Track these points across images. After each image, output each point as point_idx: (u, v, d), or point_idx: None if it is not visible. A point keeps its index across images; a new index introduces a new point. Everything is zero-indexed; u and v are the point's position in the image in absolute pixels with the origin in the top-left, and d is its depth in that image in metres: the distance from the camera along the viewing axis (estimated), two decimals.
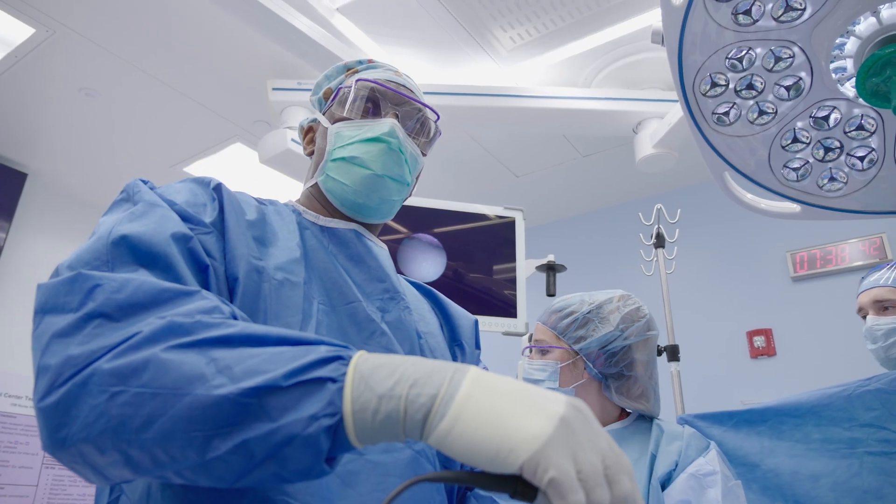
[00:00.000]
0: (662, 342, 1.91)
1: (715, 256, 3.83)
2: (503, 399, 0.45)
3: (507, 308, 2.09)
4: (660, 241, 2.04)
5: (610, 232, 4.11)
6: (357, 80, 0.86)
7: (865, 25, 0.96)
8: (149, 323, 0.52)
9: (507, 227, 2.18)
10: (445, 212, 2.20)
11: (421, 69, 2.95)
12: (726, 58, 1.08)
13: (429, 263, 2.06)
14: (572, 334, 1.25)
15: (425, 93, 2.55)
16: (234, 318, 0.57)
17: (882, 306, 1.58)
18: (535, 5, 2.54)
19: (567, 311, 1.28)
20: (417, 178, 0.92)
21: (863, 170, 1.17)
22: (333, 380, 0.48)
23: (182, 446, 0.48)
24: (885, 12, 0.94)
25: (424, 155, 0.91)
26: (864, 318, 1.62)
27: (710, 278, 3.84)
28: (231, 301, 0.66)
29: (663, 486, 1.11)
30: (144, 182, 0.71)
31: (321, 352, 0.50)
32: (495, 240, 2.22)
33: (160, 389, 0.48)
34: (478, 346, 0.94)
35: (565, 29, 2.69)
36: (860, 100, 1.02)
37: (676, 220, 2.12)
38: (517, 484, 0.44)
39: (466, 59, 2.91)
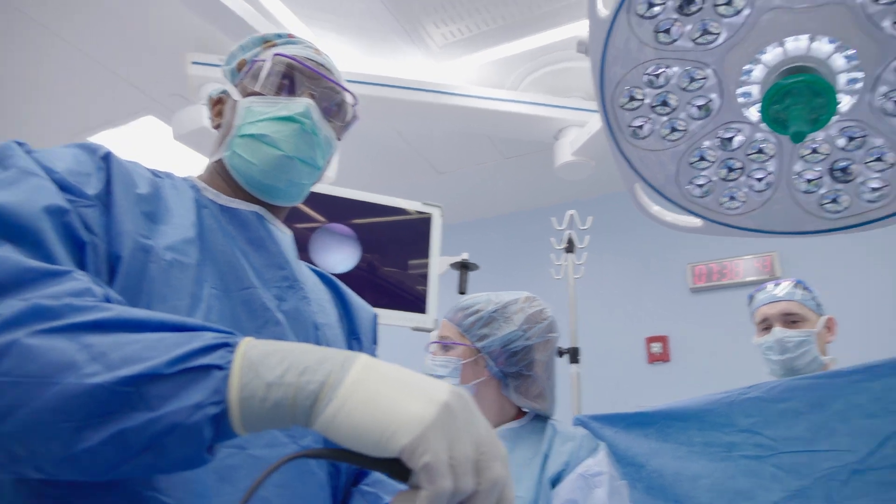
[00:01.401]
0: (565, 345, 1.96)
1: (622, 264, 3.99)
2: (389, 385, 0.46)
3: (417, 303, 2.09)
4: (570, 247, 2.11)
5: (525, 234, 4.20)
6: (274, 55, 0.82)
7: (772, 55, 1.02)
8: (10, 305, 0.47)
9: (424, 222, 2.18)
10: (364, 203, 2.18)
11: (349, 56, 2.91)
12: (645, 73, 1.12)
13: (341, 254, 2.03)
14: (476, 332, 1.27)
15: (352, 81, 2.51)
16: (109, 301, 0.53)
17: (791, 319, 1.66)
18: (469, 5, 2.56)
19: (473, 309, 1.30)
20: (329, 163, 0.90)
21: (760, 191, 1.24)
22: (220, 367, 0.47)
23: (45, 439, 0.45)
24: (791, 44, 1.01)
25: (339, 139, 0.88)
26: (766, 329, 1.71)
27: (615, 285, 3.99)
28: (112, 281, 0.62)
29: (553, 485, 1.15)
30: (20, 144, 0.64)
31: (206, 339, 0.48)
32: (411, 235, 2.22)
33: (23, 378, 0.44)
34: (375, 342, 0.92)
35: (497, 31, 2.71)
36: (762, 125, 1.08)
37: (587, 227, 2.19)
38: (394, 465, 0.45)
39: (396, 51, 2.89)
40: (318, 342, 0.76)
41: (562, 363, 1.98)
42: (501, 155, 3.77)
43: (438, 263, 2.13)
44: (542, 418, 1.32)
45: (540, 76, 2.75)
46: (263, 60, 0.82)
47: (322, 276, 0.90)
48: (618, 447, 1.34)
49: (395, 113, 2.73)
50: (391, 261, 2.19)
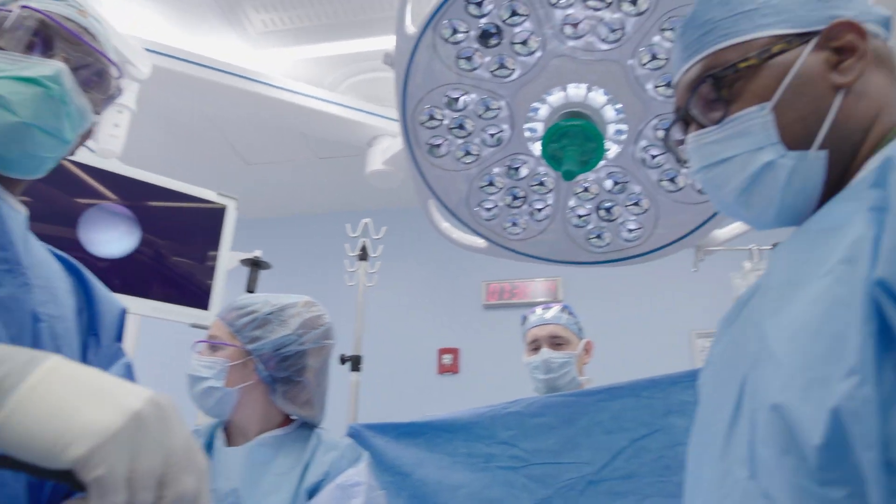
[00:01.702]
0: (348, 352, 1.96)
1: (421, 277, 4.11)
2: (76, 391, 0.43)
3: (201, 298, 1.97)
4: (363, 254, 2.12)
5: (325, 237, 4.15)
6: (23, 6, 0.72)
7: (556, 97, 1.11)
8: None
9: (218, 213, 2.06)
10: (157, 187, 2.01)
11: (159, 27, 2.68)
12: (445, 95, 1.16)
13: (115, 237, 1.85)
14: (248, 333, 1.22)
15: (158, 53, 2.32)
16: None
17: (556, 342, 1.81)
18: None
19: (248, 309, 1.24)
20: (86, 138, 0.81)
21: (539, 220, 1.34)
22: None
23: None
24: (572, 90, 1.10)
25: (99, 113, 0.79)
26: (535, 349, 1.84)
27: (412, 296, 4.10)
28: None
29: (310, 496, 1.13)
30: None
31: None
32: (205, 225, 2.09)
33: None
34: (119, 338, 0.83)
35: (319, 28, 2.67)
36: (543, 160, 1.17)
37: (381, 237, 2.22)
38: (70, 476, 0.42)
39: (212, 31, 2.73)
40: (37, 335, 0.66)
41: (342, 371, 1.98)
42: (314, 154, 3.71)
43: (228, 258, 2.02)
44: (308, 426, 1.30)
45: (359, 81, 2.74)
46: (9, 11, 0.71)
47: (65, 263, 0.80)
48: (387, 456, 1.36)
49: (203, 94, 2.56)
50: (180, 250, 2.03)
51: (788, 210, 0.64)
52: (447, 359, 4.04)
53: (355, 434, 1.39)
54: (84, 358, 0.76)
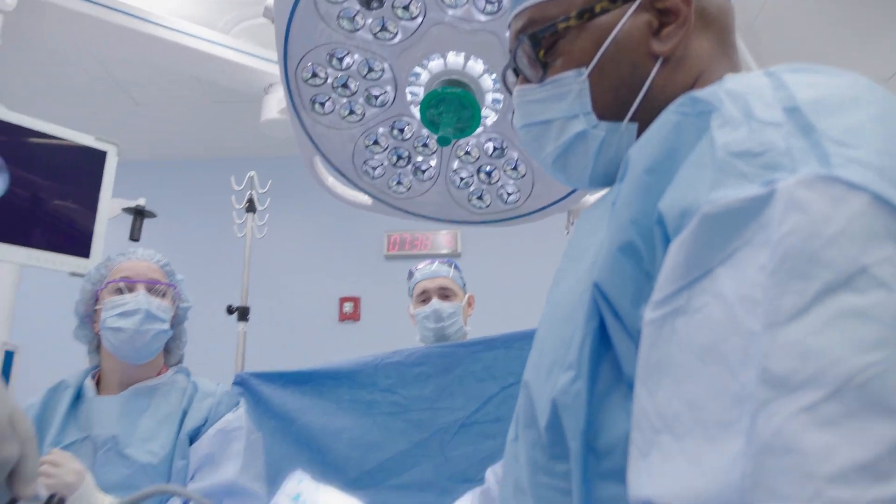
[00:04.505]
0: (237, 303, 1.97)
1: (322, 225, 4.10)
2: None
3: (82, 246, 1.90)
4: (251, 206, 2.10)
5: (214, 184, 4.05)
6: None
7: (436, 64, 1.15)
8: None
9: (99, 157, 1.97)
10: (33, 130, 1.89)
11: None
12: (328, 54, 1.17)
13: None
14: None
15: None
16: None
17: (444, 294, 1.90)
18: None
19: (168, 264, 1.40)
20: None
21: (423, 181, 1.39)
22: None
23: None
24: (451, 58, 1.14)
25: None
26: (424, 301, 1.92)
27: (311, 247, 4.10)
28: None
29: (192, 441, 1.18)
30: None
31: None
32: (89, 169, 1.99)
33: None
34: None
35: None
36: None
37: (266, 190, 2.20)
38: None
39: None
40: None
41: (230, 321, 1.99)
42: (208, 98, 3.57)
43: (110, 206, 1.95)
44: (183, 373, 1.36)
45: (254, 26, 2.66)
46: None
47: None
48: (273, 402, 1.41)
49: (87, 31, 2.40)
50: (64, 192, 1.94)
51: (601, 176, 0.64)
52: (348, 307, 4.09)
53: (242, 382, 1.43)
54: None
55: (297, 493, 0.66)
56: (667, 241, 0.40)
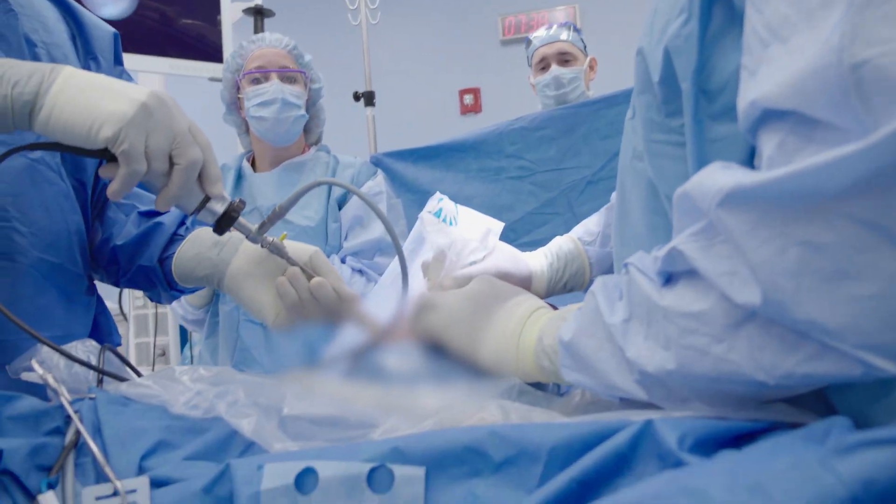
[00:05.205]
0: (361, 89, 2.03)
1: (432, 13, 3.96)
2: (94, 90, 0.56)
3: (216, 53, 2.02)
4: None
5: None
6: None
7: None
8: None
9: None
10: None
11: None
12: None
13: None
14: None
15: None
16: None
17: (564, 59, 1.83)
18: None
19: (297, 48, 1.50)
20: None
21: None
22: None
23: None
24: None
25: None
26: (543, 69, 1.86)
27: (424, 34, 4.00)
28: None
29: (340, 206, 1.36)
30: None
31: None
32: None
33: None
34: (119, 62, 0.88)
35: None
36: None
37: None
38: (105, 153, 0.56)
39: None
40: (35, 60, 0.72)
41: (358, 107, 2.07)
42: None
43: (231, 10, 2.01)
44: (324, 151, 1.50)
45: None
46: None
47: None
48: (406, 178, 1.51)
49: None
50: (187, 12, 2.05)
51: None
52: (468, 99, 4.06)
53: (378, 162, 1.54)
54: None
55: (439, 209, 0.74)
56: None
